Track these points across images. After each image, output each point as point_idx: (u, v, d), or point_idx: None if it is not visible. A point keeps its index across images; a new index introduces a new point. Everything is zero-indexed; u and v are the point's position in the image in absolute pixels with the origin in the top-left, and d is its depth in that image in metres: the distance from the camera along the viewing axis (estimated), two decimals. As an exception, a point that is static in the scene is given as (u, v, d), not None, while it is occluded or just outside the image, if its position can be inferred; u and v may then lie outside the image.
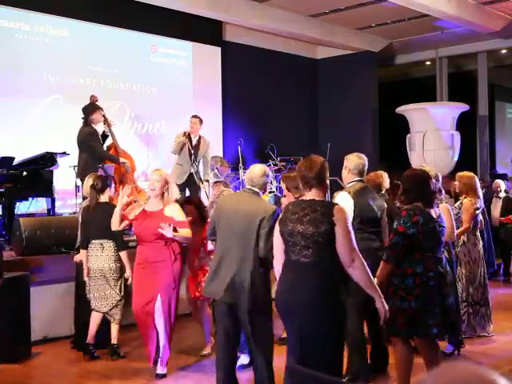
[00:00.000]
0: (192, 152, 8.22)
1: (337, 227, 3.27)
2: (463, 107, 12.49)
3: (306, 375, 1.90)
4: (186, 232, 4.97)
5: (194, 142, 8.36)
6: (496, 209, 9.31)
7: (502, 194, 9.38)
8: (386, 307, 3.42)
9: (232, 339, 4.15)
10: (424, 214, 4.01)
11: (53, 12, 9.41)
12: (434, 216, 4.07)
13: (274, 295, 3.64)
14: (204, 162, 8.50)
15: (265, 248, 3.89)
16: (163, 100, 10.72)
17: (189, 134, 8.29)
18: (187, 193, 8.27)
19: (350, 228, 3.33)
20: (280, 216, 3.53)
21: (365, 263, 3.32)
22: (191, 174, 8.24)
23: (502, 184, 9.51)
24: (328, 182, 3.52)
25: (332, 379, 1.93)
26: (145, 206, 5.03)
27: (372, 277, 3.41)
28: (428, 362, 4.10)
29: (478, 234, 5.93)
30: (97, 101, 7.92)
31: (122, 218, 5.05)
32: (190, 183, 8.30)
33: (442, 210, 4.55)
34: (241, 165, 10.15)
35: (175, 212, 4.98)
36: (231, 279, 3.98)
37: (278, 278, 3.51)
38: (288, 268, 3.41)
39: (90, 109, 7.61)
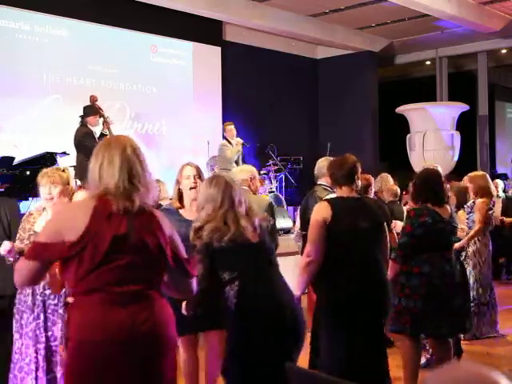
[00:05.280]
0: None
1: (384, 225, 3.68)
2: (463, 107, 12.48)
3: (306, 375, 1.89)
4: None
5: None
6: (495, 208, 9.30)
7: (501, 194, 9.38)
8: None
9: None
10: (433, 214, 4.00)
11: (53, 12, 9.39)
12: (446, 216, 4.06)
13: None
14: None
15: (274, 241, 3.92)
16: (163, 100, 10.71)
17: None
18: None
19: None
20: (331, 213, 3.48)
21: None
22: None
23: (499, 183, 9.51)
24: (359, 181, 3.65)
25: (332, 379, 1.92)
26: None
27: None
28: (439, 362, 4.08)
29: (489, 234, 5.88)
30: (96, 100, 7.92)
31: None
32: None
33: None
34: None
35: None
36: None
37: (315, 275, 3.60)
38: (348, 264, 3.48)
39: (89, 112, 7.64)
